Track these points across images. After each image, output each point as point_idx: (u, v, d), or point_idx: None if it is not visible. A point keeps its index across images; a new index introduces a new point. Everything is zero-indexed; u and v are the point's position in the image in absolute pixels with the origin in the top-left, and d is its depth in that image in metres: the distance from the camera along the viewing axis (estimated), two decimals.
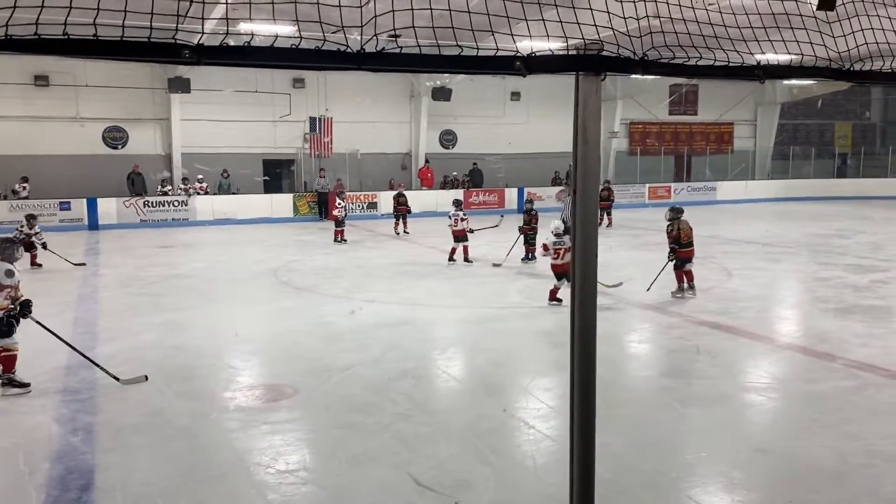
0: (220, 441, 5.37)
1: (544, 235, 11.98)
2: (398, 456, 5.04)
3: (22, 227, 13.60)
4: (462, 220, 13.39)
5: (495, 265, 13.19)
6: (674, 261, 10.29)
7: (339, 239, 17.14)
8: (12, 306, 6.29)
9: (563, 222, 10.92)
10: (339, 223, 17.23)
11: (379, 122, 25.77)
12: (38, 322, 6.53)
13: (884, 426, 5.53)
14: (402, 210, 19.03)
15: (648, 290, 10.29)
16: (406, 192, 20.21)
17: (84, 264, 13.74)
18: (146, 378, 6.53)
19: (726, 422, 5.74)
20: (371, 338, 8.24)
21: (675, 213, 10.49)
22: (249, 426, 5.63)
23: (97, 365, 6.56)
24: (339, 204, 17.46)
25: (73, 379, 6.73)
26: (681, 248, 10.23)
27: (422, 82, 25.14)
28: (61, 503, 4.40)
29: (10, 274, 6.31)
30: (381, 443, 5.28)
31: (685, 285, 10.27)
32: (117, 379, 6.42)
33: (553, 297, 9.74)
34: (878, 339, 8.03)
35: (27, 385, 6.34)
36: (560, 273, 9.56)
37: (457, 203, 13.91)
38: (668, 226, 10.41)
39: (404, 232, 18.77)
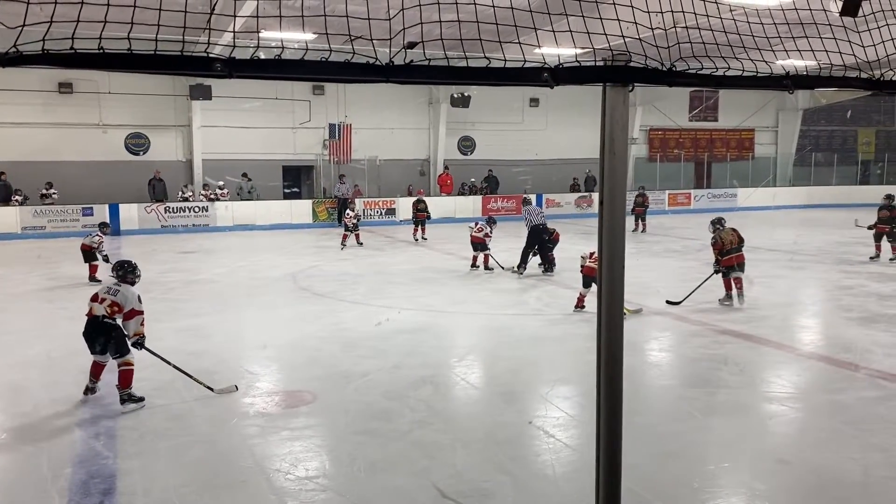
0: (241, 447, 5.39)
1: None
2: (417, 464, 5.04)
3: (96, 234, 12.99)
4: (486, 234, 13.43)
5: (514, 271, 13.16)
6: (720, 272, 10.18)
7: (344, 243, 17.54)
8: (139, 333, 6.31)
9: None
10: (349, 228, 17.74)
11: (398, 129, 25.89)
12: (151, 352, 6.48)
13: None
14: (420, 216, 19.13)
15: (680, 303, 10.15)
16: (425, 199, 20.35)
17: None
18: (236, 388, 6.55)
19: (748, 432, 5.68)
20: (389, 344, 8.24)
21: (715, 224, 10.34)
22: (269, 432, 5.65)
23: (194, 378, 6.53)
24: (349, 213, 18.05)
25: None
26: (723, 256, 10.09)
27: (441, 90, 25.21)
28: None
29: (140, 299, 6.32)
30: (400, 450, 5.27)
31: (734, 292, 10.12)
32: (211, 389, 6.44)
33: (580, 303, 9.77)
34: None
35: (142, 399, 6.23)
36: (589, 277, 9.54)
37: (490, 220, 13.89)
38: (712, 238, 10.31)
39: (422, 238, 18.83)
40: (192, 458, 5.18)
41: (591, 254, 9.63)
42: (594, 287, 9.36)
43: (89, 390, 6.41)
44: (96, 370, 6.40)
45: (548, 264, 13.16)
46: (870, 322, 9.20)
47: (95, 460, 5.14)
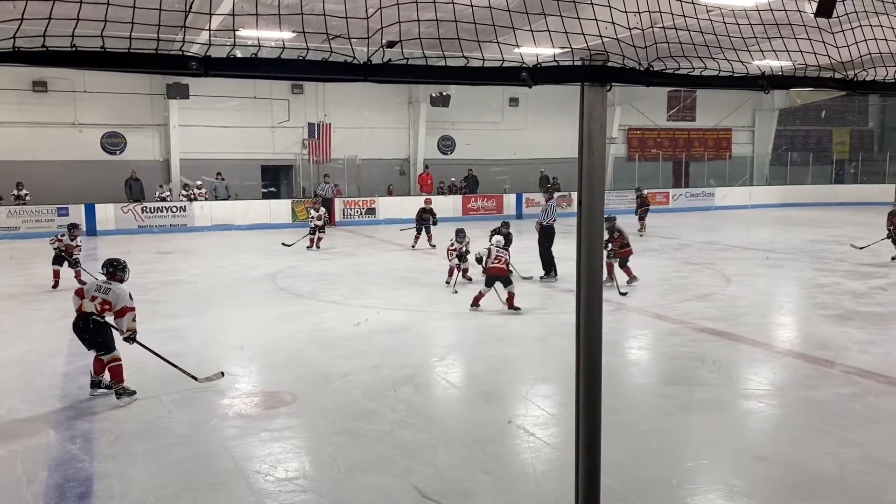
0: (219, 448, 5.35)
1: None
2: (397, 464, 5.03)
3: (62, 237, 12.39)
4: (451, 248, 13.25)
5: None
6: (610, 258, 11.52)
7: (311, 246, 17.10)
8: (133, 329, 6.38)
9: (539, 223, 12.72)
10: (314, 231, 17.29)
11: (378, 128, 25.82)
12: (143, 345, 6.56)
13: (883, 433, 5.52)
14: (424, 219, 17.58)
15: (620, 286, 11.15)
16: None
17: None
18: (223, 374, 6.74)
19: (726, 429, 5.74)
20: (369, 344, 8.22)
21: (611, 221, 11.77)
22: (248, 433, 5.61)
23: (176, 366, 6.64)
24: (313, 215, 17.56)
25: (71, 385, 6.72)
26: (621, 248, 11.63)
27: (420, 89, 25.18)
28: None
29: (131, 296, 6.42)
30: (380, 450, 5.26)
31: (627, 279, 11.47)
32: (195, 379, 6.56)
33: (476, 302, 10.04)
34: (877, 345, 8.03)
35: (134, 392, 6.34)
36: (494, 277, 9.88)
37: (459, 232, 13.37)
38: (616, 232, 11.78)
39: (430, 245, 17.19)
40: (169, 460, 5.13)
41: (499, 257, 9.98)
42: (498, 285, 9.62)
43: (95, 385, 6.49)
44: (98, 365, 6.45)
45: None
46: (845, 319, 9.33)
47: (71, 463, 5.07)
